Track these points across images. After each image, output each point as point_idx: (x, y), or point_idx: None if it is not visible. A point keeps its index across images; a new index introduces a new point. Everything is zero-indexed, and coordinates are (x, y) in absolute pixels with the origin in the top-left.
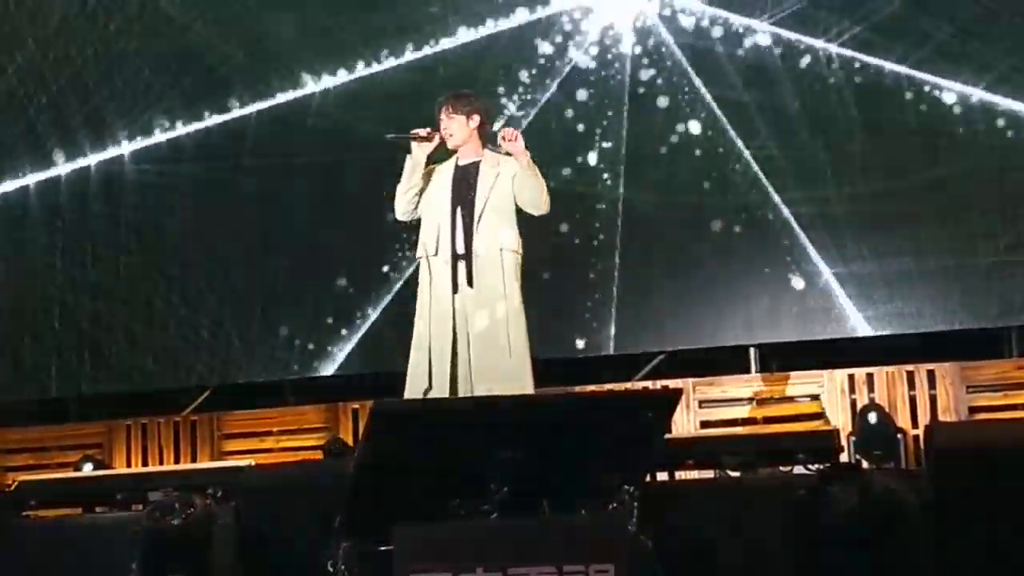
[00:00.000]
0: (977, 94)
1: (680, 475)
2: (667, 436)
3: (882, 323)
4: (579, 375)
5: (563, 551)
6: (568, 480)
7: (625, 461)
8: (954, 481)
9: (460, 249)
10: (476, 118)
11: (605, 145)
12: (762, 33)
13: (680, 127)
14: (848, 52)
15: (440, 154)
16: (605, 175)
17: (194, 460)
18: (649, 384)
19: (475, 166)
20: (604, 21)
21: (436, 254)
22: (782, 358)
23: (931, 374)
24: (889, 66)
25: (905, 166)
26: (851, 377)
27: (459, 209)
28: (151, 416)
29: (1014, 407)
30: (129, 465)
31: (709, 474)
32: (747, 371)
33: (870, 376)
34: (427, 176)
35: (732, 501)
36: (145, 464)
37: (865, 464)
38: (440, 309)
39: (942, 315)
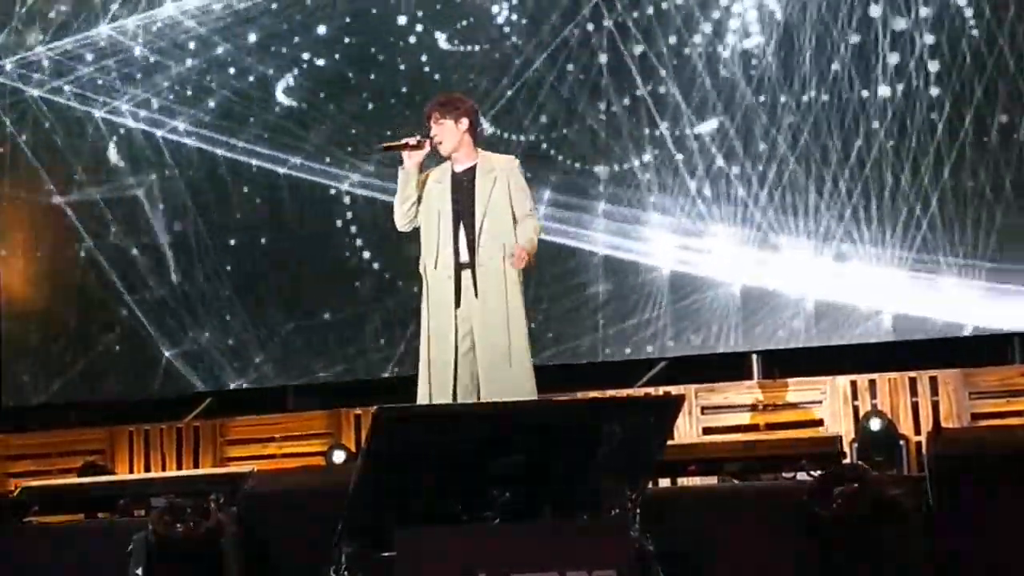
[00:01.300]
0: None
1: (682, 481)
2: (669, 442)
3: None
4: (581, 381)
5: (565, 556)
6: (570, 485)
7: (627, 467)
8: (955, 487)
9: (464, 258)
10: (465, 121)
11: None
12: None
13: None
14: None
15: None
16: None
17: (196, 466)
18: (651, 390)
19: (471, 172)
20: None
21: (436, 268)
22: (784, 364)
23: (933, 380)
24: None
25: None
26: (853, 383)
27: (461, 221)
28: (153, 422)
29: (1017, 413)
30: (131, 471)
31: (711, 480)
32: (749, 378)
33: (872, 383)
34: (422, 183)
35: (734, 507)
36: (147, 470)
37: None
38: (440, 323)
39: None
